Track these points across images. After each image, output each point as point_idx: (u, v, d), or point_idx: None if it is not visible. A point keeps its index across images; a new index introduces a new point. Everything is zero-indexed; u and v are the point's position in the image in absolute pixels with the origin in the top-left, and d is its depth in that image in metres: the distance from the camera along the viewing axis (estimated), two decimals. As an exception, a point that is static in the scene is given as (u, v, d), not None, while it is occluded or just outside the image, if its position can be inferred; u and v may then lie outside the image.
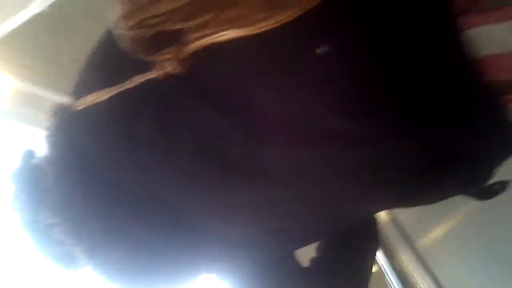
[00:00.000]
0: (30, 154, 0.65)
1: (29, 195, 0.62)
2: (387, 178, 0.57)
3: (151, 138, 0.56)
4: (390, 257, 1.50)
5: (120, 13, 0.51)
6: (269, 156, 0.55)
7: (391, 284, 1.44)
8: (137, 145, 0.56)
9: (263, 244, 0.64)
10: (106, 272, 0.60)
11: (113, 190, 0.58)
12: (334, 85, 0.54)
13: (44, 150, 0.60)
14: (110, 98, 0.57)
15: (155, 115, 0.56)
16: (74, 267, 0.65)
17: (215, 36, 0.52)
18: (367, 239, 0.85)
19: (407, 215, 1.52)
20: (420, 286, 1.32)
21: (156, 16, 0.51)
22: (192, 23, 0.52)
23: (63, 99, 0.63)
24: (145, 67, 0.55)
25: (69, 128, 0.59)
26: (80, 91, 0.61)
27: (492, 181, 0.66)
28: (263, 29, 0.51)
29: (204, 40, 0.52)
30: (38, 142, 0.63)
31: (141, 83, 0.55)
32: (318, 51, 0.52)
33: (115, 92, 0.56)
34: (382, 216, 1.60)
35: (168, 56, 0.53)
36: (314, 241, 0.74)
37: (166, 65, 0.54)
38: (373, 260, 0.86)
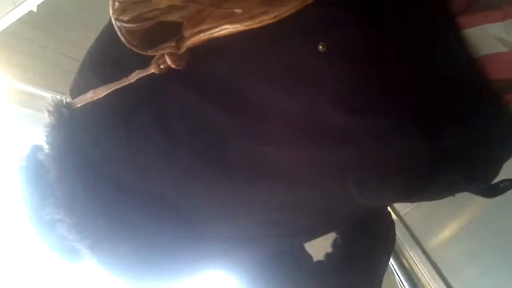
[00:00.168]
0: (36, 149, 0.66)
1: (34, 191, 0.64)
2: (389, 174, 0.57)
3: (149, 135, 0.56)
4: (399, 256, 1.50)
5: (117, 6, 0.51)
6: (268, 152, 0.55)
7: (400, 284, 1.44)
8: (136, 142, 0.57)
9: (264, 237, 0.65)
10: (110, 267, 0.62)
11: (114, 187, 0.58)
12: (334, 82, 0.54)
13: (45, 147, 0.61)
14: (108, 95, 0.57)
15: (154, 112, 0.56)
16: (78, 261, 0.66)
17: (213, 31, 0.52)
18: (382, 237, 0.86)
19: (415, 214, 1.52)
20: (430, 286, 1.32)
21: (154, 9, 0.51)
22: (190, 18, 0.52)
23: (62, 97, 0.63)
24: (143, 63, 0.55)
25: (69, 125, 0.60)
26: (79, 88, 0.62)
27: (498, 178, 0.66)
28: (262, 24, 0.51)
29: (202, 35, 0.52)
30: (37, 139, 0.63)
31: (139, 79, 0.55)
32: (319, 47, 0.53)
33: (113, 89, 0.57)
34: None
35: (166, 50, 0.53)
36: (317, 236, 0.74)
37: (164, 60, 0.54)
38: (387, 259, 0.86)
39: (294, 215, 0.63)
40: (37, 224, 0.64)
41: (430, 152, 0.55)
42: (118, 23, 0.52)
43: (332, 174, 0.56)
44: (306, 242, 0.76)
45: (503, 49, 0.55)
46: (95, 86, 0.59)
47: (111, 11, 0.52)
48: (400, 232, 1.53)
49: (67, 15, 2.52)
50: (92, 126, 0.60)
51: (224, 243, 0.64)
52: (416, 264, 1.41)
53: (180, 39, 0.54)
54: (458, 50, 0.56)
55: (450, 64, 0.56)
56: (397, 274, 1.44)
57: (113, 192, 0.59)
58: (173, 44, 0.54)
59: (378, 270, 0.82)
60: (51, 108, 0.60)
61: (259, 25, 0.51)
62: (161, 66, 0.54)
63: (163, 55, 0.54)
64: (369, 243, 0.82)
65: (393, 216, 1.57)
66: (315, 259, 0.79)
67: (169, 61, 0.54)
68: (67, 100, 0.62)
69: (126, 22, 0.51)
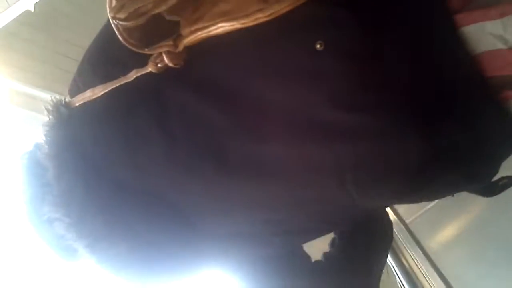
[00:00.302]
0: (36, 149, 0.66)
1: (32, 190, 0.64)
2: (388, 173, 0.57)
3: (147, 134, 0.57)
4: (399, 257, 1.50)
5: (115, 4, 0.51)
6: (266, 150, 0.56)
7: (401, 285, 1.44)
8: (134, 141, 0.57)
9: (263, 236, 0.65)
10: (108, 266, 0.62)
11: (113, 185, 0.59)
12: (332, 80, 0.54)
13: (44, 146, 0.61)
14: (106, 93, 0.58)
15: (152, 110, 0.56)
16: (76, 260, 0.66)
17: (210, 29, 0.52)
18: (379, 236, 0.86)
19: (415, 215, 1.52)
20: (430, 287, 1.32)
21: (150, 3, 0.51)
22: (187, 16, 0.53)
23: (61, 96, 0.64)
24: (141, 62, 0.56)
25: (68, 124, 0.60)
26: (77, 87, 0.62)
27: (497, 177, 0.66)
28: (259, 22, 0.51)
29: (199, 33, 0.53)
30: (37, 138, 0.64)
31: (137, 78, 0.56)
32: (317, 46, 0.53)
33: (111, 87, 0.57)
34: (391, 216, 1.61)
35: (163, 49, 0.54)
36: (317, 235, 0.75)
37: (161, 59, 0.54)
38: (385, 258, 0.87)
39: (293, 214, 0.63)
40: (36, 223, 0.65)
41: (428, 150, 0.55)
42: (115, 22, 0.53)
43: (331, 172, 0.57)
44: (305, 242, 0.76)
45: (501, 46, 0.55)
46: (93, 85, 0.59)
47: (108, 10, 0.53)
48: (400, 233, 1.54)
49: (66, 15, 2.53)
50: (90, 124, 0.60)
51: (223, 242, 0.64)
52: (417, 265, 1.42)
53: (178, 37, 0.54)
54: (456, 48, 0.56)
55: (448, 62, 0.56)
56: (398, 275, 1.44)
57: (112, 191, 0.59)
58: (171, 42, 0.54)
59: (376, 269, 0.82)
60: (50, 108, 0.61)
61: (255, 23, 0.51)
62: (159, 65, 0.55)
63: (160, 53, 0.54)
64: (367, 242, 0.82)
65: (394, 217, 1.58)
66: (313, 259, 0.80)
67: (166, 60, 0.54)
68: (66, 99, 0.63)
69: (124, 20, 0.52)
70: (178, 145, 0.56)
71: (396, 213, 1.59)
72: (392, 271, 1.47)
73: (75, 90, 0.63)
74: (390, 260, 1.49)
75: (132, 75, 0.56)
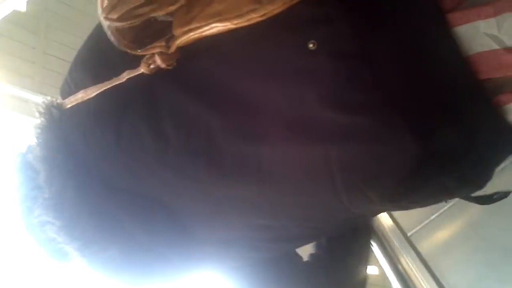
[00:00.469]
0: (29, 151, 0.67)
1: (24, 192, 0.64)
2: (377, 175, 0.57)
3: (139, 135, 0.57)
4: (393, 261, 1.50)
5: (106, 4, 0.52)
6: (258, 151, 0.56)
7: (394, 288, 1.44)
8: (126, 143, 0.57)
9: (254, 241, 0.66)
10: (100, 269, 0.62)
11: (105, 188, 0.59)
12: (324, 79, 0.55)
13: (35, 148, 0.61)
14: (99, 95, 0.58)
15: (144, 112, 0.57)
16: (69, 261, 0.66)
17: (202, 29, 0.52)
18: (360, 233, 0.87)
19: (410, 218, 1.52)
20: (425, 291, 1.33)
21: (142, 6, 0.51)
22: (179, 17, 0.53)
23: (52, 98, 0.64)
24: (133, 63, 0.56)
25: (59, 126, 0.60)
26: (69, 88, 0.62)
27: (492, 182, 0.65)
28: (252, 22, 0.51)
29: (191, 34, 0.53)
30: (28, 140, 0.64)
31: (129, 79, 0.56)
32: (309, 45, 0.54)
33: (103, 89, 0.57)
34: (385, 220, 1.61)
35: (156, 50, 0.54)
36: (309, 241, 0.75)
37: (154, 60, 0.54)
38: (368, 252, 0.88)
39: (285, 220, 0.63)
40: (28, 225, 0.65)
41: (420, 153, 0.55)
42: (107, 22, 0.53)
43: (321, 175, 0.57)
44: (297, 247, 0.76)
45: (495, 46, 0.55)
46: (85, 86, 0.59)
47: (100, 10, 0.53)
48: (394, 236, 1.54)
49: (58, 15, 2.52)
50: (82, 126, 0.60)
51: (216, 245, 0.65)
52: (410, 268, 1.42)
53: (170, 38, 0.55)
54: (449, 49, 0.57)
55: (441, 63, 0.57)
56: (391, 279, 1.45)
57: (104, 193, 0.59)
58: (163, 43, 0.54)
59: (359, 263, 0.83)
60: (41, 109, 0.61)
61: (248, 23, 0.52)
62: (151, 66, 0.55)
63: (153, 54, 0.54)
64: (350, 247, 0.83)
65: (387, 220, 1.59)
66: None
67: (159, 61, 0.54)
68: (58, 101, 0.63)
69: (115, 20, 0.52)
70: (170, 147, 0.56)
71: (391, 217, 1.60)
72: (384, 273, 1.48)
73: (66, 91, 0.63)
74: (383, 262, 1.49)
75: (124, 76, 0.56)
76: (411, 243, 1.48)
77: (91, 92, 0.58)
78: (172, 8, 0.52)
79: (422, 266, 1.37)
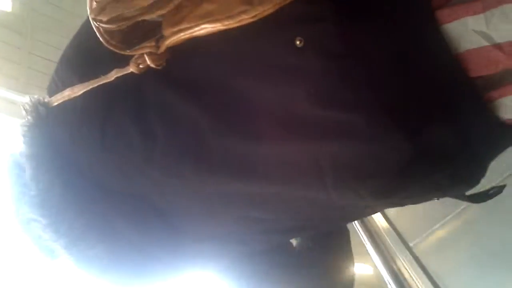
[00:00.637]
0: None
1: (14, 190, 0.64)
2: (367, 173, 0.58)
3: (127, 133, 0.57)
4: (388, 261, 1.52)
5: (95, 6, 0.52)
6: (247, 148, 0.57)
7: (389, 289, 1.45)
8: (113, 141, 0.58)
9: (246, 235, 0.67)
10: (88, 268, 0.63)
11: (92, 186, 0.60)
12: (312, 77, 0.56)
13: (21, 146, 0.62)
14: (86, 93, 0.58)
15: (131, 110, 0.57)
16: (57, 259, 0.67)
17: (193, 30, 0.53)
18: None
19: (405, 219, 1.54)
20: (420, 292, 1.34)
21: (132, 8, 0.52)
22: (169, 17, 0.54)
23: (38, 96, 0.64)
24: (122, 61, 0.57)
25: (46, 124, 0.61)
26: (56, 86, 0.63)
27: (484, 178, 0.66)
28: (241, 23, 0.52)
29: (181, 34, 0.54)
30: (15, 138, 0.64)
31: (117, 78, 0.57)
32: (296, 43, 0.55)
33: (90, 87, 0.58)
34: (380, 221, 1.63)
35: (145, 50, 0.55)
36: (302, 234, 0.76)
37: (143, 60, 0.55)
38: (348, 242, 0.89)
39: (276, 213, 0.64)
40: (18, 224, 0.65)
41: (410, 150, 0.56)
42: (96, 23, 0.53)
43: (311, 172, 0.58)
44: (290, 239, 0.78)
45: (484, 43, 0.56)
46: (72, 84, 0.60)
47: (89, 11, 0.54)
48: (389, 237, 1.55)
49: (44, 15, 2.51)
50: (69, 124, 0.60)
51: (206, 242, 0.66)
52: (405, 269, 1.43)
53: (160, 38, 0.55)
54: (439, 47, 0.58)
55: (431, 61, 0.58)
56: (386, 279, 1.46)
57: (90, 192, 0.60)
58: (153, 43, 0.55)
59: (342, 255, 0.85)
60: (28, 107, 0.61)
61: (238, 24, 0.52)
62: (140, 66, 0.56)
63: (142, 54, 0.55)
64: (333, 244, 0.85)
65: (382, 220, 1.60)
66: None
67: (148, 61, 0.55)
68: (45, 99, 0.63)
69: (105, 22, 0.52)
70: (158, 145, 0.57)
71: (386, 217, 1.61)
72: (381, 275, 1.49)
73: (53, 89, 0.63)
74: (378, 262, 1.51)
75: (113, 75, 0.57)
76: (406, 243, 1.49)
77: (78, 90, 0.59)
78: (161, 12, 0.52)
79: (417, 267, 1.39)
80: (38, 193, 0.59)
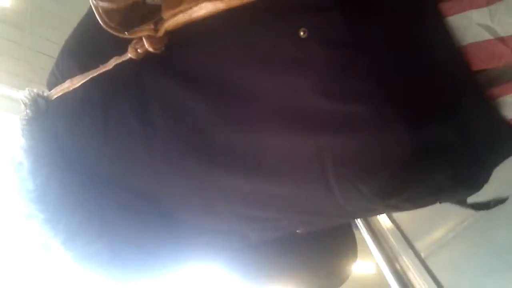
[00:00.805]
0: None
1: (11, 186, 0.64)
2: (368, 167, 0.58)
3: (126, 125, 0.58)
4: (391, 261, 1.52)
5: None
6: (248, 140, 0.57)
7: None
8: (113, 133, 0.58)
9: (245, 231, 0.67)
10: (86, 264, 0.63)
11: (91, 180, 0.60)
12: (315, 68, 0.56)
13: (20, 140, 0.62)
14: (85, 84, 0.59)
15: (132, 100, 0.58)
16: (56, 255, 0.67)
17: (192, 10, 0.53)
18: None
19: (408, 218, 1.54)
20: (422, 291, 1.34)
21: None
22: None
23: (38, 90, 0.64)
24: (121, 50, 0.57)
25: (45, 117, 0.61)
26: (56, 79, 0.63)
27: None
28: (244, 1, 0.52)
29: (181, 15, 0.54)
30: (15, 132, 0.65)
31: (117, 65, 0.57)
32: (300, 33, 0.55)
33: (90, 77, 0.58)
34: (383, 221, 1.63)
35: (144, 33, 0.55)
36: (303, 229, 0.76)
37: (141, 44, 0.55)
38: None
39: (276, 212, 0.64)
40: (20, 219, 0.66)
41: (414, 145, 0.56)
42: (94, 2, 0.54)
43: (313, 165, 0.58)
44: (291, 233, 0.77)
45: (488, 36, 0.56)
46: (72, 76, 0.60)
47: None
48: (392, 236, 1.56)
49: (43, 10, 2.51)
50: (68, 116, 0.61)
51: (205, 235, 0.66)
52: (408, 269, 1.44)
53: (159, 21, 0.56)
54: (442, 39, 0.58)
55: (433, 53, 0.58)
56: (389, 279, 1.47)
57: (89, 186, 0.60)
58: (152, 26, 0.55)
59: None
60: (27, 101, 0.62)
61: (239, 2, 0.52)
62: (139, 50, 0.56)
63: (141, 39, 0.55)
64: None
65: (385, 220, 1.61)
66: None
67: (146, 44, 0.55)
68: (44, 92, 0.64)
69: (102, 0, 0.52)
70: (159, 135, 0.57)
71: (389, 215, 1.62)
72: (383, 273, 1.49)
73: (53, 82, 0.64)
74: (381, 262, 1.51)
75: (112, 63, 0.57)
76: (409, 242, 1.49)
77: (78, 81, 0.59)
78: None
79: (420, 266, 1.39)
80: (36, 188, 0.60)
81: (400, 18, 0.58)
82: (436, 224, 1.40)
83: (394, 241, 1.52)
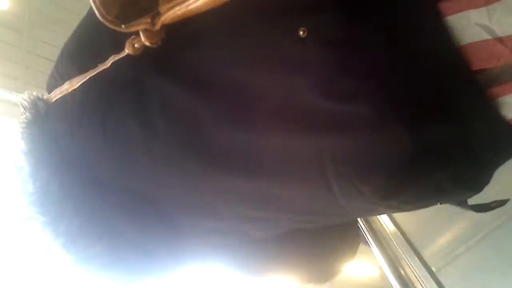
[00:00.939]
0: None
1: (12, 189, 0.65)
2: (368, 167, 0.58)
3: (126, 127, 0.58)
4: (396, 266, 1.52)
5: None
6: (248, 140, 0.58)
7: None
8: (112, 135, 0.59)
9: (246, 230, 0.68)
10: (87, 266, 0.64)
11: (91, 183, 0.61)
12: (315, 67, 0.57)
13: (19, 143, 0.63)
14: (84, 84, 0.60)
15: (131, 101, 0.59)
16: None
17: (189, 2, 0.54)
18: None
19: (412, 224, 1.54)
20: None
21: None
22: None
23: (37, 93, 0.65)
24: (119, 49, 0.58)
25: (45, 121, 0.62)
26: (55, 81, 0.64)
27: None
28: None
29: (177, 8, 0.54)
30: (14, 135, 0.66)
31: (114, 63, 0.58)
32: (300, 33, 0.56)
33: (88, 77, 0.59)
34: (388, 226, 1.63)
35: (141, 27, 0.56)
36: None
37: (138, 39, 0.56)
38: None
39: (276, 213, 0.65)
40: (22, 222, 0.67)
41: (414, 145, 0.57)
42: None
43: (312, 165, 0.58)
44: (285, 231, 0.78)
45: (486, 36, 0.57)
46: (71, 78, 0.61)
47: None
48: (397, 242, 1.56)
49: (41, 13, 2.53)
50: (68, 118, 0.62)
51: (205, 236, 0.67)
52: (413, 274, 1.44)
53: (156, 15, 0.56)
54: (441, 38, 0.59)
55: (433, 53, 0.58)
56: (394, 285, 1.47)
57: (89, 188, 0.61)
58: (148, 20, 0.56)
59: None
60: (26, 104, 0.62)
61: None
62: (136, 45, 0.57)
63: (138, 35, 0.56)
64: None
65: (390, 225, 1.61)
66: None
67: (143, 38, 0.56)
68: (43, 95, 0.64)
69: None
70: (158, 136, 0.58)
71: (393, 221, 1.62)
72: (388, 279, 1.50)
73: (52, 85, 0.65)
74: (386, 268, 1.52)
75: (110, 61, 0.58)
76: (413, 247, 1.50)
77: (76, 82, 0.60)
78: None
79: (425, 272, 1.40)
80: (36, 191, 0.60)
81: (399, 17, 0.59)
82: (443, 230, 1.41)
83: (400, 248, 1.52)
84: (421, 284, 1.37)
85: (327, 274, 0.83)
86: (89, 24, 0.57)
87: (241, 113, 0.58)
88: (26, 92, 0.63)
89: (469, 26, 0.57)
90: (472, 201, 0.71)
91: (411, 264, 1.43)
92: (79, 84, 0.60)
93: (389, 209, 0.68)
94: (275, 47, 0.57)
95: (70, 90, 0.61)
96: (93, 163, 0.61)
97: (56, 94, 0.62)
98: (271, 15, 0.56)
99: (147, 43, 0.56)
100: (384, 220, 1.64)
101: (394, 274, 1.47)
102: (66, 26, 0.71)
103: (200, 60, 0.58)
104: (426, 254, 1.44)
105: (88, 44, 0.64)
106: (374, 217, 1.68)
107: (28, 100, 0.63)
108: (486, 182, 0.63)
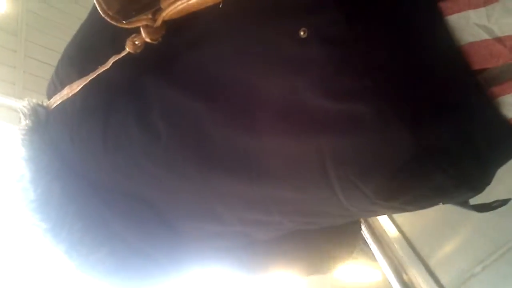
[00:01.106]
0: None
1: (13, 196, 0.66)
2: (369, 167, 0.59)
3: (127, 129, 0.60)
4: (401, 272, 1.53)
5: None
6: (249, 142, 0.59)
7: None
8: (113, 140, 0.60)
9: (248, 232, 0.69)
10: (89, 272, 0.65)
11: (92, 188, 0.62)
12: (315, 67, 0.57)
13: (20, 150, 0.64)
14: (84, 89, 0.61)
15: (131, 105, 0.60)
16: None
17: None
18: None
19: (417, 229, 1.55)
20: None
21: None
22: None
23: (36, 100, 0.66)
24: (119, 50, 0.59)
25: (45, 127, 0.63)
26: (55, 87, 0.65)
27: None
28: None
29: (178, 3, 0.55)
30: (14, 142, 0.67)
31: (115, 64, 0.59)
32: (300, 33, 0.57)
33: (89, 80, 0.60)
34: (392, 232, 1.64)
35: (142, 23, 0.57)
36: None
37: (139, 37, 0.57)
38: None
39: (278, 215, 0.65)
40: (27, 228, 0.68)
41: (415, 145, 0.57)
42: None
43: (314, 165, 0.59)
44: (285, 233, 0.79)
45: (485, 36, 0.58)
46: (71, 81, 0.62)
47: None
48: (401, 248, 1.57)
49: (40, 17, 2.54)
50: (68, 124, 0.63)
51: (206, 240, 0.68)
52: (418, 280, 1.44)
53: (157, 11, 0.57)
54: (441, 38, 0.59)
55: (433, 53, 0.59)
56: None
57: (91, 194, 0.62)
58: (149, 16, 0.57)
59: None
60: (26, 111, 0.64)
61: None
62: (136, 43, 0.58)
63: (139, 33, 0.57)
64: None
65: (394, 231, 1.62)
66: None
67: (144, 34, 0.57)
68: (43, 101, 0.66)
69: None
70: (159, 141, 0.59)
71: (396, 225, 1.63)
72: (391, 285, 1.50)
73: (52, 90, 0.66)
74: (390, 273, 1.52)
75: (110, 61, 0.59)
76: (416, 252, 1.50)
77: (77, 86, 0.61)
78: None
79: (429, 278, 1.40)
80: (37, 198, 0.62)
81: (400, 17, 0.59)
82: (447, 235, 1.41)
83: (404, 254, 1.52)
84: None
85: (327, 266, 0.83)
86: (89, 29, 0.58)
87: (242, 113, 0.58)
88: (26, 99, 0.64)
89: (469, 26, 0.58)
90: (473, 201, 0.72)
91: (414, 269, 1.44)
92: (79, 88, 0.61)
93: (392, 209, 0.68)
94: (275, 47, 0.58)
95: (70, 95, 0.62)
96: (94, 169, 0.62)
97: (56, 100, 0.63)
98: (271, 16, 0.57)
99: (148, 39, 0.57)
100: (386, 224, 1.65)
101: (397, 279, 1.47)
102: (63, 30, 0.72)
103: (200, 61, 0.59)
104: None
105: (88, 48, 0.65)
106: (376, 222, 1.69)
107: (28, 107, 0.64)
108: (488, 181, 0.64)
